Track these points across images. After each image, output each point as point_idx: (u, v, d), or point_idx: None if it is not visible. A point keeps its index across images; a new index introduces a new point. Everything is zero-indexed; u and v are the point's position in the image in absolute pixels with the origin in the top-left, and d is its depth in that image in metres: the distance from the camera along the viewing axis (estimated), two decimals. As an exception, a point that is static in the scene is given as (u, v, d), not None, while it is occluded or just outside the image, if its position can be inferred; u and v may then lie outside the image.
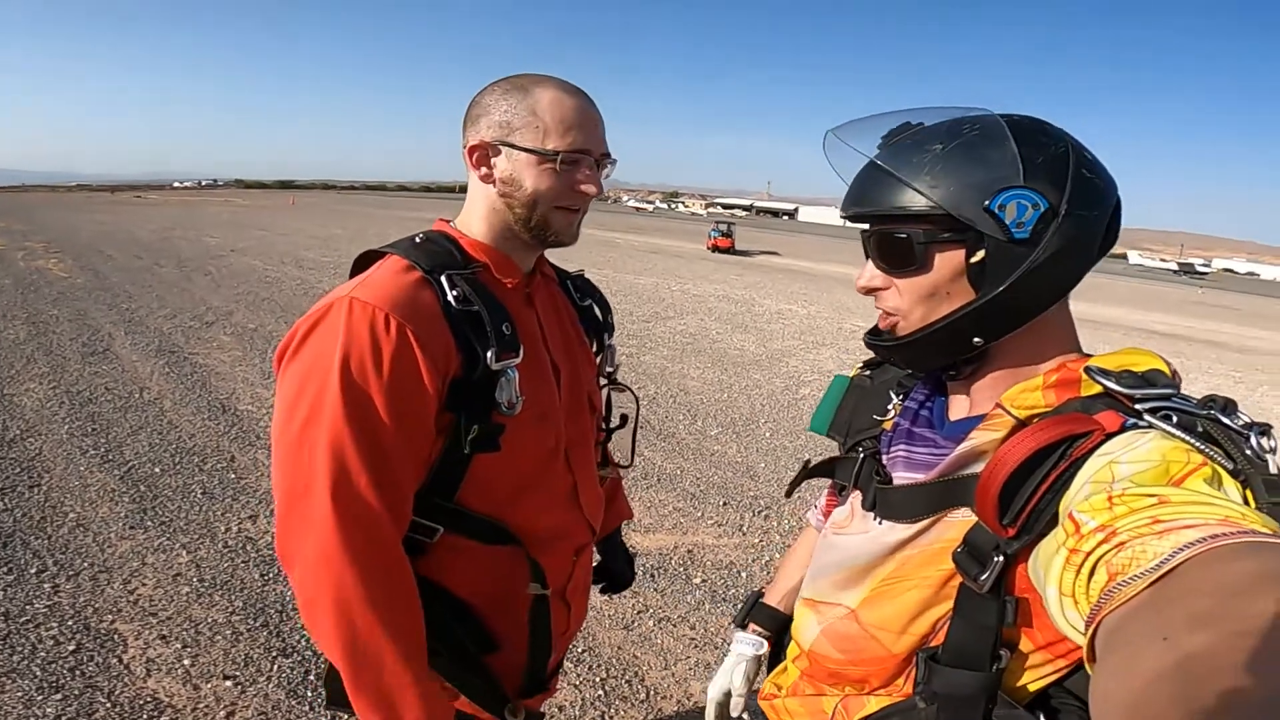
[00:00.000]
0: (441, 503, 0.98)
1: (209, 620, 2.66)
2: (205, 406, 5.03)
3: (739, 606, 1.19)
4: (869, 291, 0.81)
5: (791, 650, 0.97)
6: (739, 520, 3.89)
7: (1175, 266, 76.95)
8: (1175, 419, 0.64)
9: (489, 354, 0.93)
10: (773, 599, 1.15)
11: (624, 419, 1.35)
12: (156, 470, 3.92)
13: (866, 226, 0.80)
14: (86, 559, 2.99)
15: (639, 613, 2.93)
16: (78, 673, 2.33)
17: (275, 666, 2.44)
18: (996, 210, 0.69)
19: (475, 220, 1.04)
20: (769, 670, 1.05)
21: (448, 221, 1.07)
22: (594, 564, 1.52)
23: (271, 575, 2.98)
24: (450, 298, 0.93)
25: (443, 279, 0.94)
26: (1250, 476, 0.59)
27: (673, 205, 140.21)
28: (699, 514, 3.92)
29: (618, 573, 1.50)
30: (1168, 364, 0.72)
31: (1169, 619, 0.42)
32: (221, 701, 2.26)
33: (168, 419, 4.73)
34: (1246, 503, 0.58)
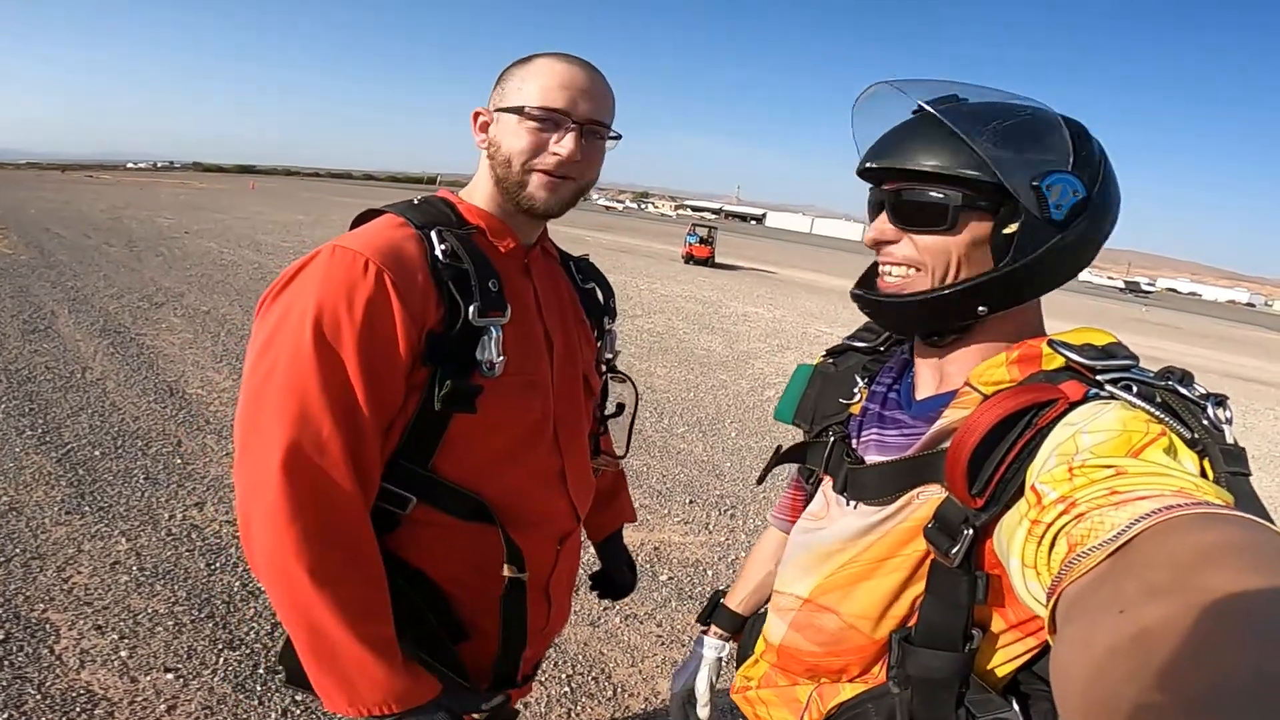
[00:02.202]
0: (416, 468, 0.95)
1: (149, 610, 2.52)
2: (151, 389, 4.80)
3: (705, 605, 1.20)
4: (878, 244, 0.81)
5: (759, 646, 0.96)
6: (705, 518, 3.87)
7: (1122, 284, 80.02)
8: (1135, 389, 0.66)
9: (471, 308, 0.91)
10: (732, 601, 1.16)
11: (620, 407, 1.31)
12: (97, 453, 3.73)
13: (875, 184, 0.80)
14: (18, 544, 2.81)
15: (605, 609, 2.88)
16: (5, 663, 2.18)
17: (221, 659, 2.32)
18: (1044, 189, 0.71)
19: (477, 188, 1.04)
20: (739, 663, 1.04)
21: (451, 191, 1.08)
22: (594, 569, 1.46)
23: (218, 565, 2.84)
24: (438, 251, 0.92)
25: (432, 234, 0.93)
26: (1208, 446, 0.61)
27: (643, 205, 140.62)
28: (665, 511, 3.89)
29: (619, 579, 1.45)
30: (1123, 344, 0.75)
31: (1125, 592, 0.42)
32: (162, 695, 2.14)
33: (111, 400, 4.51)
34: (1203, 473, 0.59)
